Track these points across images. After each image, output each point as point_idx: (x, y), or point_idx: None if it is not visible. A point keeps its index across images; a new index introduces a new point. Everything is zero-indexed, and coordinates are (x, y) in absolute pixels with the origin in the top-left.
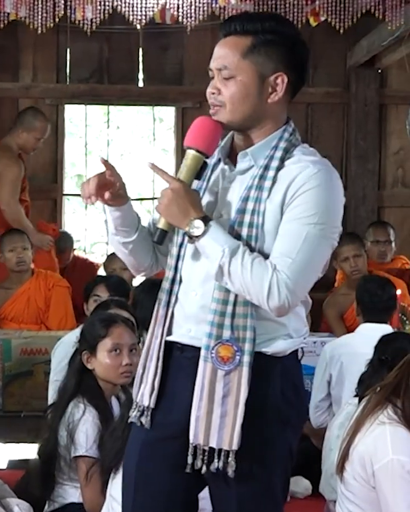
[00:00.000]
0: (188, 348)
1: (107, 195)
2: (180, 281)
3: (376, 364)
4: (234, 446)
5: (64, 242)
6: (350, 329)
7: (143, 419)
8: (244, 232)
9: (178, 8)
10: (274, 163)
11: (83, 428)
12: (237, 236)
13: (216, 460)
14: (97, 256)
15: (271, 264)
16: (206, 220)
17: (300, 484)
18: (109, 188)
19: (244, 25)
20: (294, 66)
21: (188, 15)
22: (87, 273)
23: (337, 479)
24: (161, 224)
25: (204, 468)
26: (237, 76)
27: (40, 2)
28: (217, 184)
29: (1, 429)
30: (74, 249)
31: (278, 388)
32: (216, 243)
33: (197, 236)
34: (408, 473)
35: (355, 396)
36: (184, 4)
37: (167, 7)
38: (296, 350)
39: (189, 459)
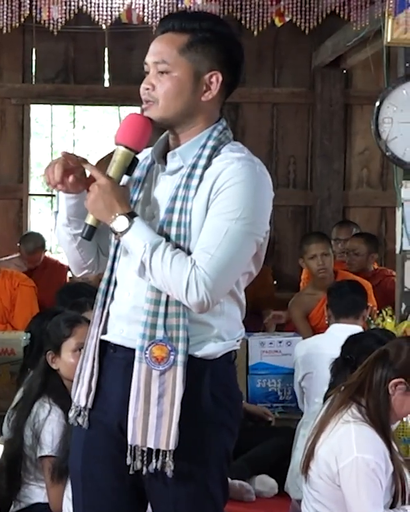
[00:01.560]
0: (119, 348)
1: (71, 179)
2: (116, 282)
3: (340, 363)
4: (171, 446)
5: (34, 242)
6: (315, 329)
7: (79, 419)
8: (173, 231)
9: (143, 8)
10: (202, 162)
11: (49, 427)
12: (167, 236)
13: (154, 460)
14: (64, 257)
15: (192, 260)
16: (131, 216)
17: (266, 484)
18: (72, 173)
19: (182, 23)
20: (229, 66)
21: (154, 15)
22: (57, 275)
23: (302, 478)
24: (89, 220)
25: (144, 469)
26: (173, 72)
27: (5, 2)
28: (151, 185)
29: None
30: (45, 250)
31: (208, 390)
32: (139, 239)
33: (121, 232)
34: (373, 470)
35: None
36: (150, 4)
37: (133, 7)
38: (229, 352)
39: (129, 460)
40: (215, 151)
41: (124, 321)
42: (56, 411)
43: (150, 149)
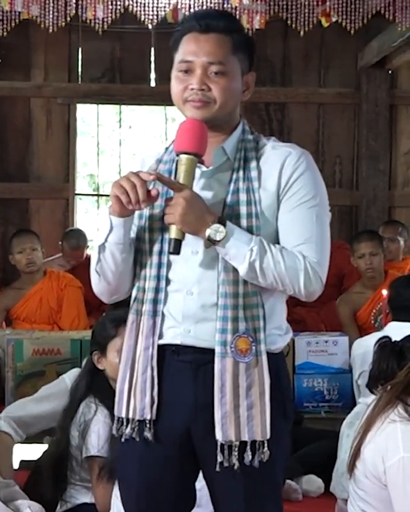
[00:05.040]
0: (186, 350)
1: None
2: (166, 288)
3: (382, 345)
4: (268, 435)
5: (77, 239)
6: (361, 328)
7: (146, 433)
8: (243, 223)
9: (190, 8)
10: (250, 154)
11: (95, 428)
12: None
13: (249, 453)
14: None
15: (299, 252)
16: (222, 222)
17: (313, 483)
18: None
19: (226, 24)
20: (253, 67)
21: None
22: None
23: (348, 477)
24: (174, 234)
25: (237, 464)
26: (229, 72)
27: (51, 1)
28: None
29: None
30: (87, 247)
31: (280, 385)
32: (242, 243)
33: (220, 240)
34: None
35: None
36: (196, 4)
37: (179, 6)
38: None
39: (219, 458)
40: (257, 143)
41: (190, 321)
42: (102, 411)
43: (153, 156)
